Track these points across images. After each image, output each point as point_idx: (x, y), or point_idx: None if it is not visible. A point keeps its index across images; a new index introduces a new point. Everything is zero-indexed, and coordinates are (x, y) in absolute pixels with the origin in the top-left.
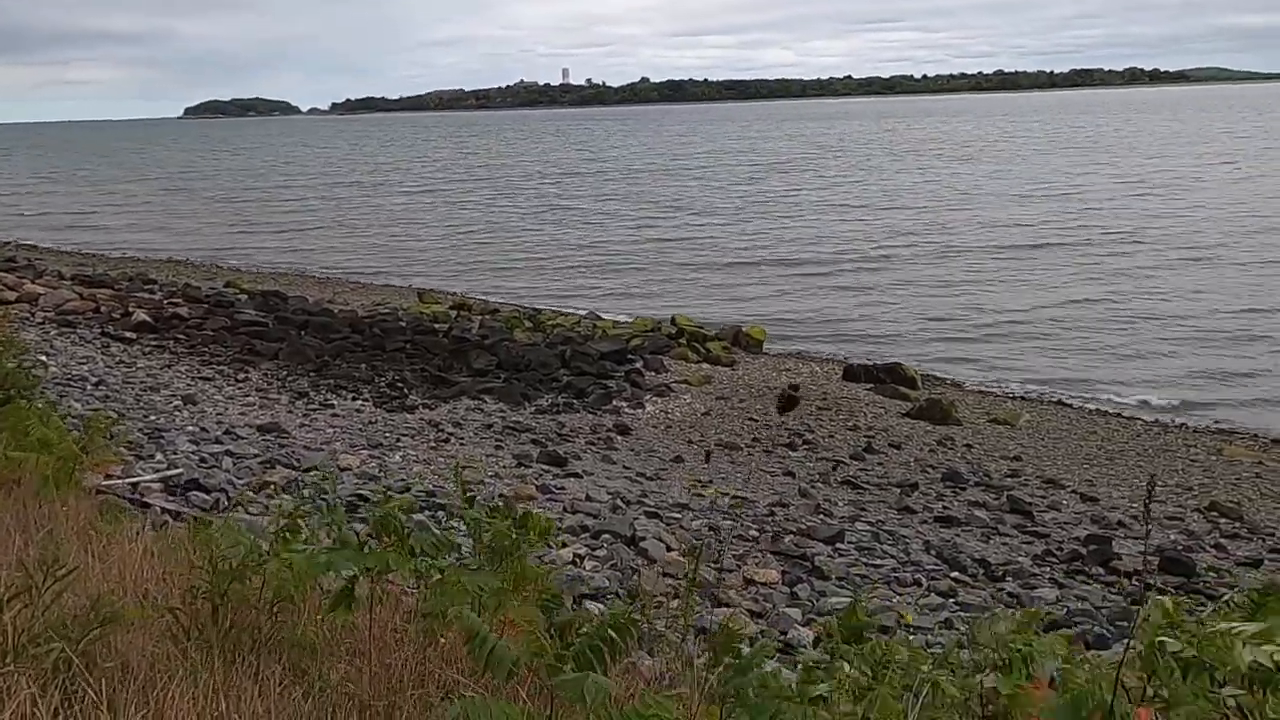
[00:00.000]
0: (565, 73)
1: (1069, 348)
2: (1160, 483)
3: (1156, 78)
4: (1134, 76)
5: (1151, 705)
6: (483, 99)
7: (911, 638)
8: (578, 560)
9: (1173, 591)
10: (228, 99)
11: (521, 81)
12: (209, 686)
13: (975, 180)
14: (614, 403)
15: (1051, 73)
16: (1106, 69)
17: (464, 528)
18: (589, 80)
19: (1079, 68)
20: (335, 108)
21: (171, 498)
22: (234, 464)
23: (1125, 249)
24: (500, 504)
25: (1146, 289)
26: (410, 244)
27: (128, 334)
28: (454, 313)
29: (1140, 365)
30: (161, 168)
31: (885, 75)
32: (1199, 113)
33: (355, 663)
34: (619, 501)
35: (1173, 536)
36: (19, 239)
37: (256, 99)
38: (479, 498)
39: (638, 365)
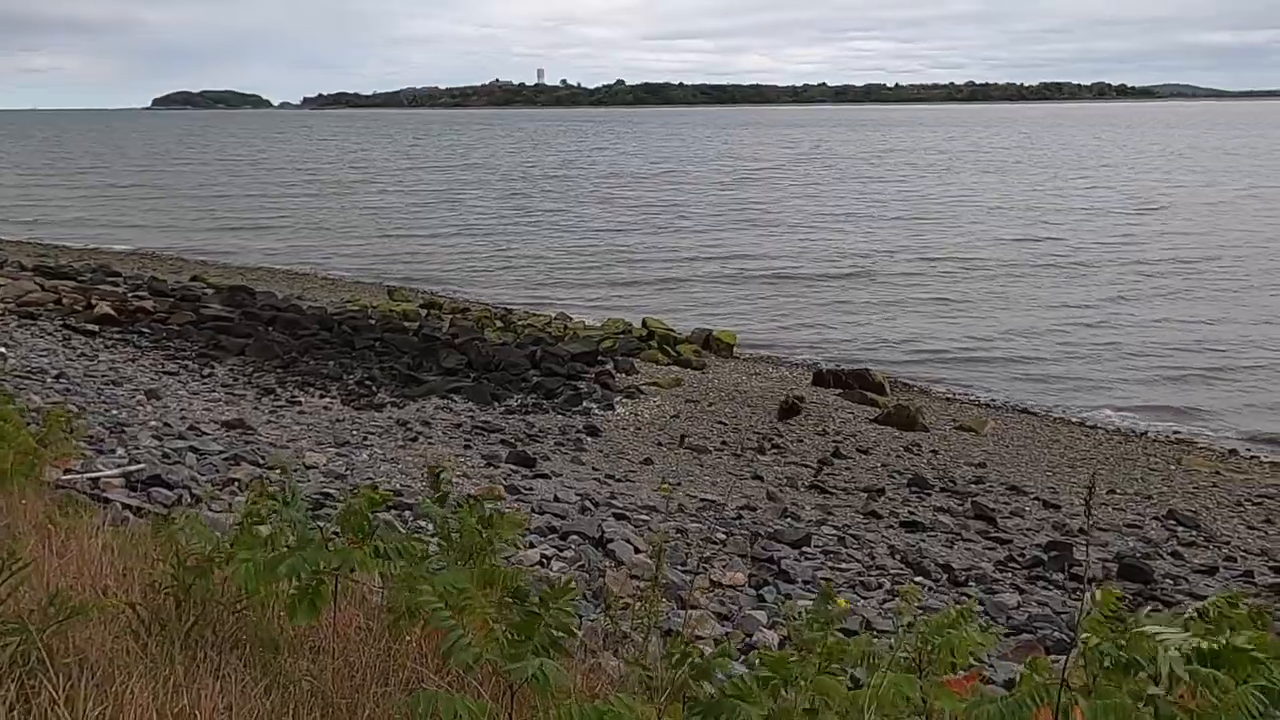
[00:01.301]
0: (540, 73)
1: (1043, 366)
2: (1120, 491)
3: (1124, 93)
4: (1102, 91)
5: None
6: (457, 97)
7: (876, 640)
8: (545, 561)
9: (1129, 598)
10: (197, 91)
11: (497, 81)
12: (169, 682)
13: (956, 193)
14: (584, 404)
15: (1022, 85)
16: (1075, 83)
17: (432, 527)
18: (564, 81)
19: (1049, 81)
20: (307, 102)
21: (133, 493)
22: (198, 460)
23: (1101, 266)
24: (469, 502)
25: (1121, 306)
26: (382, 242)
27: (90, 327)
28: (424, 311)
29: (1109, 377)
30: (129, 160)
31: (860, 84)
32: (1173, 129)
33: (319, 659)
34: (587, 503)
35: (1132, 544)
36: None
37: (227, 91)
38: (450, 496)
39: (608, 367)
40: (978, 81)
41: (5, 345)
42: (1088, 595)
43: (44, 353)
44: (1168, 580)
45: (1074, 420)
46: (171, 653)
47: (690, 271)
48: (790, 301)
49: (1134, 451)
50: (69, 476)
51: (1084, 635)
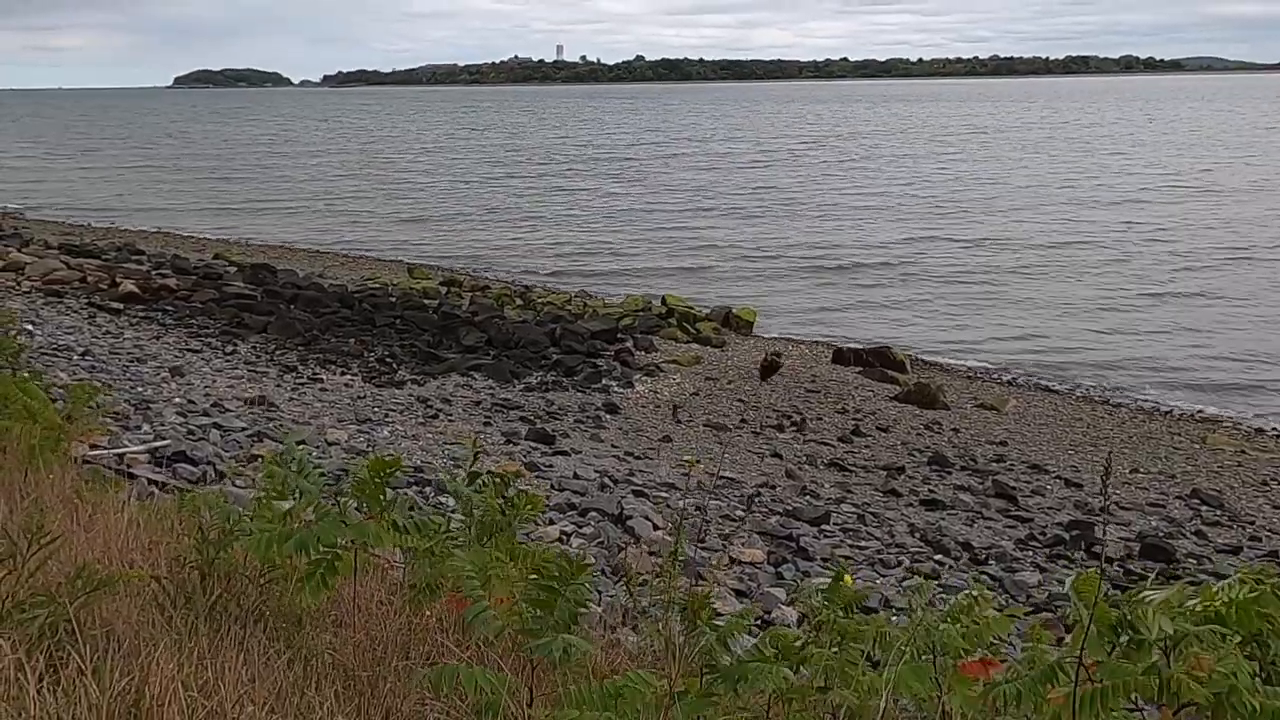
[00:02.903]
0: (560, 49)
1: (1083, 370)
2: (1143, 470)
3: (1151, 66)
4: (1129, 64)
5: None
6: (476, 74)
7: (895, 618)
8: (564, 538)
9: (1153, 577)
10: (218, 69)
11: (515, 57)
12: (194, 654)
13: (993, 174)
14: (603, 381)
15: (1047, 59)
16: (1102, 56)
17: (452, 503)
18: (584, 57)
19: (1074, 54)
20: (327, 80)
21: (158, 469)
22: (222, 437)
23: (1146, 255)
24: (493, 480)
25: (1165, 299)
26: (403, 220)
27: (115, 304)
28: (444, 289)
29: (1140, 360)
30: (152, 138)
31: (882, 58)
32: (1209, 103)
33: (341, 633)
34: (607, 480)
35: (1155, 523)
36: (4, 208)
37: (248, 70)
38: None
39: (628, 344)
40: (1002, 55)
41: (32, 323)
42: (1075, 575)
43: (70, 330)
44: (1191, 560)
45: (1097, 399)
46: (196, 625)
47: (716, 258)
48: (821, 290)
49: (1157, 430)
50: (96, 452)
51: (1072, 606)
